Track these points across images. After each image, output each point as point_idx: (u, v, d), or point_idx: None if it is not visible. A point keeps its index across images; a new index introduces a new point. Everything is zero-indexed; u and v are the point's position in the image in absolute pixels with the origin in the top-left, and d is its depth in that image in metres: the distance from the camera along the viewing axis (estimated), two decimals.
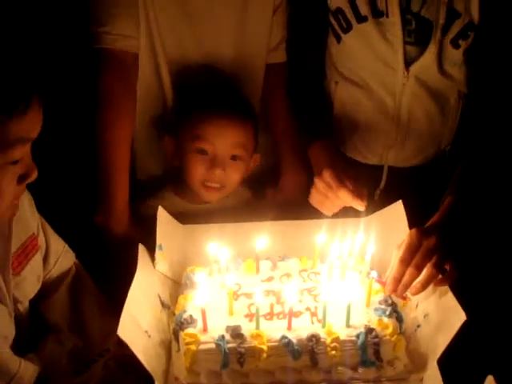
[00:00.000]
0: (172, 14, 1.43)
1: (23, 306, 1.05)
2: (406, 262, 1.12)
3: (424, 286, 1.11)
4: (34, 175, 0.94)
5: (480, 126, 1.36)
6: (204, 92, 1.44)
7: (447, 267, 1.12)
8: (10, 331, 1.00)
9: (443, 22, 1.35)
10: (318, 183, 1.28)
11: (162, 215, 1.21)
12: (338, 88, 1.47)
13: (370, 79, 1.44)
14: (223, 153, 1.39)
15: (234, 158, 1.41)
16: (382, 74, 1.43)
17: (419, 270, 1.11)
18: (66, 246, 1.17)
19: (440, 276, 1.11)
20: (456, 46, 1.37)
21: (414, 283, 1.11)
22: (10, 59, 0.90)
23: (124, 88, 1.40)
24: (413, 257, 1.12)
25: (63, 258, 1.15)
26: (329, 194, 1.26)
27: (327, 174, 1.26)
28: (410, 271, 1.11)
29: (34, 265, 1.07)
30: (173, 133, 1.45)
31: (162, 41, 1.43)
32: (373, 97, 1.46)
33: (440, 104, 1.47)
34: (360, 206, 1.22)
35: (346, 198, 1.23)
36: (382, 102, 1.46)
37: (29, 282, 1.06)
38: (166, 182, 1.51)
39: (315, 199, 1.31)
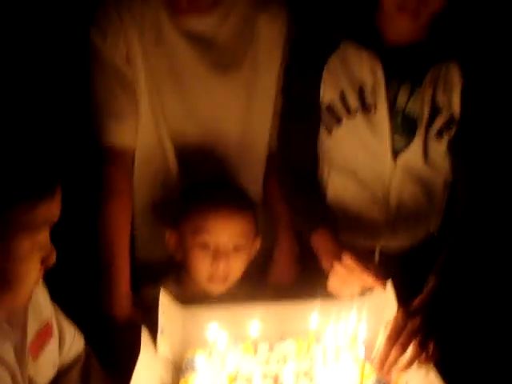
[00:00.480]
0: (176, 104, 1.51)
1: None
2: (392, 341, 1.20)
3: (409, 364, 1.18)
4: (54, 259, 0.97)
5: (463, 214, 1.43)
6: (203, 184, 1.50)
7: (431, 346, 1.20)
8: None
9: (427, 117, 1.44)
10: (339, 268, 1.35)
11: (164, 298, 1.25)
12: (331, 176, 1.55)
13: (359, 168, 1.52)
14: (226, 245, 1.42)
15: (236, 248, 1.43)
16: (371, 163, 1.50)
17: (404, 349, 1.19)
18: (77, 330, 1.19)
19: (424, 355, 1.19)
20: (440, 138, 1.46)
21: (400, 361, 1.19)
22: (42, 144, 0.98)
23: (124, 179, 1.50)
24: (398, 337, 1.20)
25: (75, 343, 1.18)
26: (350, 278, 1.34)
27: (348, 259, 1.34)
28: (395, 350, 1.19)
29: (49, 352, 1.09)
30: (174, 226, 1.49)
31: (168, 128, 1.52)
32: (363, 185, 1.53)
33: (427, 191, 1.55)
34: (383, 287, 1.31)
35: (369, 280, 1.31)
36: (372, 189, 1.53)
37: (44, 369, 1.08)
38: (168, 271, 1.54)
39: (335, 284, 1.38)
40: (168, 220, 1.52)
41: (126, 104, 1.47)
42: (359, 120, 1.46)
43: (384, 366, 1.19)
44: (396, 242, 1.58)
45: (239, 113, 1.55)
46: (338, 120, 1.47)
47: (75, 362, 1.17)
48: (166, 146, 1.54)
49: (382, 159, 1.48)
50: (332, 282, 1.38)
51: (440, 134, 1.45)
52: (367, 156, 1.50)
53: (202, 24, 1.47)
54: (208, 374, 1.12)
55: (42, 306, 1.09)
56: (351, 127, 1.47)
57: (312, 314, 1.27)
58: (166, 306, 1.25)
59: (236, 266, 1.44)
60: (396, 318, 1.23)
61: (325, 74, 1.45)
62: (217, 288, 1.45)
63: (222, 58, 1.50)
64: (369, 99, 1.44)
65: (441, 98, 1.43)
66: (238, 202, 1.46)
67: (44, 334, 1.08)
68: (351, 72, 1.44)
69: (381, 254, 1.58)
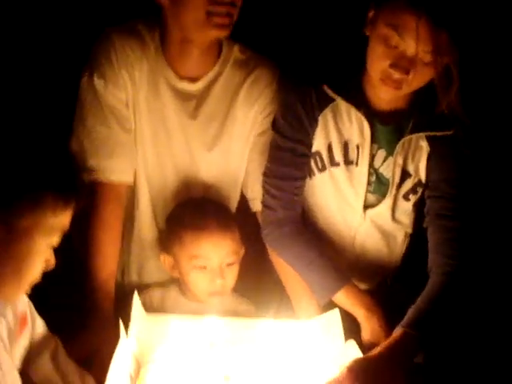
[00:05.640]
0: (158, 151, 1.61)
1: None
2: None
3: None
4: (54, 263, 1.11)
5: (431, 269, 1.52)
6: (189, 206, 1.60)
7: None
8: None
9: (398, 180, 1.56)
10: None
11: (136, 302, 1.38)
12: (306, 213, 1.65)
13: (333, 212, 1.63)
14: (220, 264, 1.53)
15: (230, 264, 1.54)
16: (343, 211, 1.61)
17: None
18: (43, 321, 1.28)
19: None
20: (407, 199, 1.59)
21: None
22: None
23: (118, 212, 1.58)
24: None
25: (42, 331, 1.27)
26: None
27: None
28: None
29: (24, 338, 1.20)
30: (167, 250, 1.59)
31: (147, 172, 1.62)
32: (333, 227, 1.64)
33: (388, 242, 1.66)
34: None
35: None
36: (341, 233, 1.64)
37: (18, 351, 1.19)
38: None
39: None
40: (160, 245, 1.65)
41: (125, 142, 1.56)
42: (341, 171, 1.57)
43: None
44: (357, 283, 1.62)
45: (216, 159, 1.65)
46: (323, 167, 1.58)
47: (44, 347, 1.25)
48: (142, 189, 1.64)
49: (354, 209, 1.60)
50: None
51: (407, 195, 1.59)
52: (341, 203, 1.60)
53: (190, 87, 1.59)
54: (165, 367, 1.27)
55: (21, 297, 1.20)
56: (333, 176, 1.58)
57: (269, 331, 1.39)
58: (137, 308, 1.38)
59: (230, 279, 1.56)
60: (340, 374, 1.25)
61: (319, 125, 1.55)
62: (216, 300, 1.54)
63: (203, 110, 1.60)
64: (351, 155, 1.55)
65: (410, 165, 1.56)
66: (227, 224, 1.56)
67: (22, 322, 1.19)
68: (340, 128, 1.55)
69: None
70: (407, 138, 1.53)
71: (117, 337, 1.25)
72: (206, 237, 1.53)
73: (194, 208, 1.61)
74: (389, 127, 1.55)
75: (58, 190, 1.04)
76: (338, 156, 1.57)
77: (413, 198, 1.60)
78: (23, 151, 1.04)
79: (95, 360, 1.35)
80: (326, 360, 1.38)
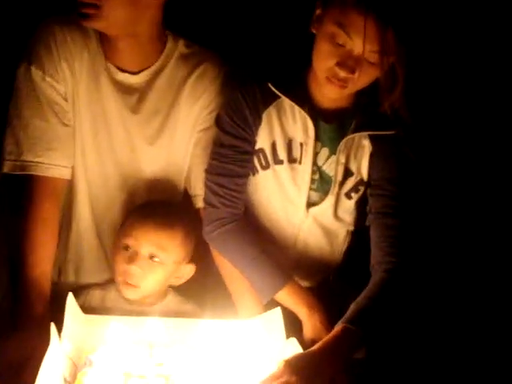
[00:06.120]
0: (97, 145, 1.58)
1: None
2: None
3: None
4: None
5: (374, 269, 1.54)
6: (145, 203, 1.61)
7: None
8: None
9: (340, 178, 1.58)
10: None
11: (71, 302, 1.35)
12: (248, 211, 1.64)
13: (275, 209, 1.63)
14: (142, 251, 1.50)
15: (152, 257, 1.50)
16: (286, 208, 1.62)
17: None
18: None
19: None
20: (349, 197, 1.61)
21: None
22: None
23: (54, 208, 1.53)
24: None
25: None
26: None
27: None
28: None
29: None
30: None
31: (84, 161, 1.58)
32: (276, 225, 1.65)
33: (330, 239, 1.68)
34: None
35: None
36: (283, 230, 1.65)
37: None
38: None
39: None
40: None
41: (63, 136, 1.52)
42: (284, 169, 1.58)
43: None
44: (299, 280, 1.65)
45: (158, 154, 1.63)
46: (266, 165, 1.59)
47: None
48: (80, 185, 1.61)
49: (297, 207, 1.61)
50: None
51: (350, 194, 1.61)
52: (284, 201, 1.62)
53: (131, 79, 1.56)
54: (103, 369, 1.23)
55: None
56: (276, 174, 1.59)
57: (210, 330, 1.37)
58: (72, 309, 1.35)
59: (147, 276, 1.51)
60: (277, 369, 1.25)
61: (263, 122, 1.55)
62: (128, 293, 1.52)
63: (146, 104, 1.58)
64: (294, 153, 1.56)
65: (353, 163, 1.58)
66: (172, 223, 1.54)
67: None
68: (284, 125, 1.56)
69: None
70: (350, 136, 1.55)
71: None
72: (144, 222, 1.52)
73: (150, 202, 1.63)
74: (332, 126, 1.56)
75: None
76: (282, 154, 1.57)
77: (355, 196, 1.62)
78: None
79: (28, 365, 1.27)
80: (267, 358, 1.37)
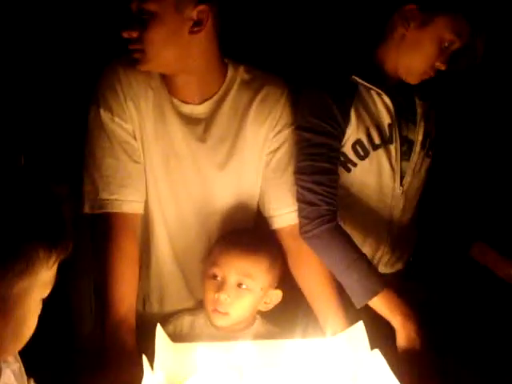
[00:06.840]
0: (170, 180, 1.62)
1: None
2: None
3: None
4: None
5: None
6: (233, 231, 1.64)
7: None
8: None
9: (421, 138, 1.68)
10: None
11: (160, 333, 1.37)
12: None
13: (371, 199, 1.69)
14: (231, 280, 1.53)
15: (239, 285, 1.54)
16: (383, 191, 1.68)
17: None
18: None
19: None
20: (428, 157, 1.72)
21: None
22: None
23: (132, 243, 1.57)
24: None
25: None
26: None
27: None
28: None
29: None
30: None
31: (158, 195, 1.62)
32: (371, 212, 1.69)
33: (414, 214, 1.76)
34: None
35: None
36: (379, 216, 1.70)
37: None
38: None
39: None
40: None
41: (134, 173, 1.57)
42: (381, 152, 1.65)
43: None
44: (391, 265, 1.75)
45: (229, 180, 1.65)
46: (365, 154, 1.64)
47: None
48: (156, 218, 1.64)
49: (393, 186, 1.68)
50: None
51: (428, 153, 1.71)
52: (381, 184, 1.68)
53: (196, 110, 1.61)
54: None
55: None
56: (375, 159, 1.65)
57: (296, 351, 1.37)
58: (162, 339, 1.37)
59: (236, 304, 1.53)
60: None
61: (352, 116, 1.61)
62: (218, 321, 1.55)
63: (212, 132, 1.62)
64: (386, 135, 1.64)
65: (429, 126, 1.70)
66: (252, 245, 1.57)
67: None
68: (370, 112, 1.64)
69: None
70: (423, 103, 1.70)
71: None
72: (229, 250, 1.56)
73: (235, 230, 1.66)
74: (401, 99, 1.67)
75: (50, 241, 0.91)
76: (377, 139, 1.64)
77: (430, 154, 1.73)
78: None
79: None
80: (353, 373, 1.38)
